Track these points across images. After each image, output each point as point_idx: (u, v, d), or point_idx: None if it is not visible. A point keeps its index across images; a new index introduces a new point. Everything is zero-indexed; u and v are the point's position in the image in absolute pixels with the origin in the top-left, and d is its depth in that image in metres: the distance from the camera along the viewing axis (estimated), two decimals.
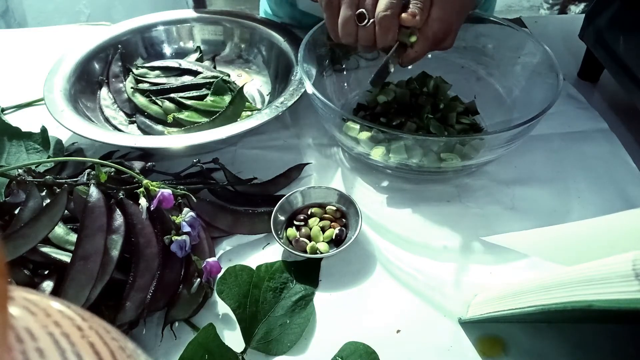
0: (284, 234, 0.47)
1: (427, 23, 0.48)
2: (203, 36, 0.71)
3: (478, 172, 0.55)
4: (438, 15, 0.48)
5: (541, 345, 0.39)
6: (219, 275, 0.42)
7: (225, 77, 0.63)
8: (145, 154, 0.54)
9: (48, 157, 0.52)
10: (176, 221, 0.42)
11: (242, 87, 0.59)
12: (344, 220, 0.48)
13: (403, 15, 0.47)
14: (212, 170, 0.51)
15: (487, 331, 0.40)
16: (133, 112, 0.61)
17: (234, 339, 0.39)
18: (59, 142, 0.55)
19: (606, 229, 0.36)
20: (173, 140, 0.50)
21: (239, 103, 0.59)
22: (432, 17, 0.48)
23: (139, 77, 0.64)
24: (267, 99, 0.65)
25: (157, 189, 0.42)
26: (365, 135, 0.50)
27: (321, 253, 0.45)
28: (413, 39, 0.48)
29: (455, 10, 0.49)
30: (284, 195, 0.48)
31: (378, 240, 0.48)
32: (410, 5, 0.47)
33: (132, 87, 0.62)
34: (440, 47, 0.52)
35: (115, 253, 0.40)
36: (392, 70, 0.51)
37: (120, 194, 0.43)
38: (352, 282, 0.44)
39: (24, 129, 0.54)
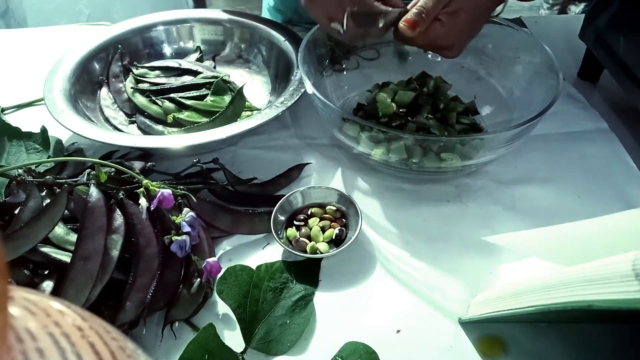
0: (284, 234, 0.47)
1: (429, 30, 0.47)
2: (203, 36, 0.71)
3: (478, 172, 0.55)
4: (441, 32, 0.46)
5: (541, 345, 0.39)
6: (219, 275, 0.42)
7: (225, 77, 0.63)
8: (145, 154, 0.54)
9: (48, 157, 0.52)
10: (176, 221, 0.42)
11: (242, 87, 0.59)
12: (344, 220, 0.48)
13: (401, 25, 0.46)
14: (212, 170, 0.51)
15: (487, 331, 0.40)
16: (133, 112, 0.61)
17: (234, 339, 0.39)
18: (59, 142, 0.55)
19: (606, 229, 0.36)
20: (173, 140, 0.50)
21: (239, 103, 0.59)
22: (435, 30, 0.46)
23: (139, 77, 0.64)
24: (267, 99, 0.65)
25: (157, 189, 0.42)
26: (365, 135, 0.50)
27: (321, 253, 0.45)
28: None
29: (462, 30, 0.48)
30: (284, 195, 0.48)
31: (378, 240, 0.48)
32: (412, 13, 0.46)
33: (132, 87, 0.62)
34: (442, 54, 0.51)
35: (115, 253, 0.40)
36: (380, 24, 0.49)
37: (120, 194, 0.43)
38: (352, 282, 0.44)
39: (24, 129, 0.54)
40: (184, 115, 0.59)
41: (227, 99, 0.61)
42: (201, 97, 0.61)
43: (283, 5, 0.83)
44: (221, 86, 0.62)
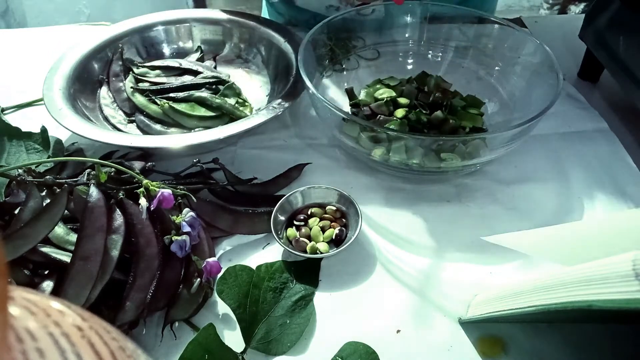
0: (284, 234, 0.47)
1: None
2: (203, 36, 0.71)
3: (478, 172, 0.55)
4: None
5: (541, 345, 0.39)
6: (219, 275, 0.42)
7: (226, 78, 0.63)
8: (145, 153, 0.54)
9: (48, 157, 0.52)
10: (176, 221, 0.42)
11: (240, 88, 0.59)
12: (344, 220, 0.48)
13: None
14: (212, 170, 0.51)
15: (487, 331, 0.40)
16: (132, 111, 0.61)
17: (234, 339, 0.39)
18: (58, 142, 0.55)
19: (606, 229, 0.36)
20: (172, 139, 0.50)
21: (238, 103, 0.59)
22: None
23: (139, 77, 0.64)
24: (266, 99, 0.65)
25: (157, 189, 0.42)
26: (365, 135, 0.50)
27: (321, 253, 0.45)
28: None
29: None
30: (284, 195, 0.48)
31: (378, 240, 0.48)
32: None
33: (131, 87, 0.62)
34: None
35: (115, 253, 0.40)
36: None
37: (120, 194, 0.43)
38: (352, 282, 0.44)
39: (24, 129, 0.54)
40: (182, 107, 0.59)
41: (229, 99, 0.61)
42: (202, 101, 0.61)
43: (280, 7, 0.83)
44: (227, 88, 0.62)
